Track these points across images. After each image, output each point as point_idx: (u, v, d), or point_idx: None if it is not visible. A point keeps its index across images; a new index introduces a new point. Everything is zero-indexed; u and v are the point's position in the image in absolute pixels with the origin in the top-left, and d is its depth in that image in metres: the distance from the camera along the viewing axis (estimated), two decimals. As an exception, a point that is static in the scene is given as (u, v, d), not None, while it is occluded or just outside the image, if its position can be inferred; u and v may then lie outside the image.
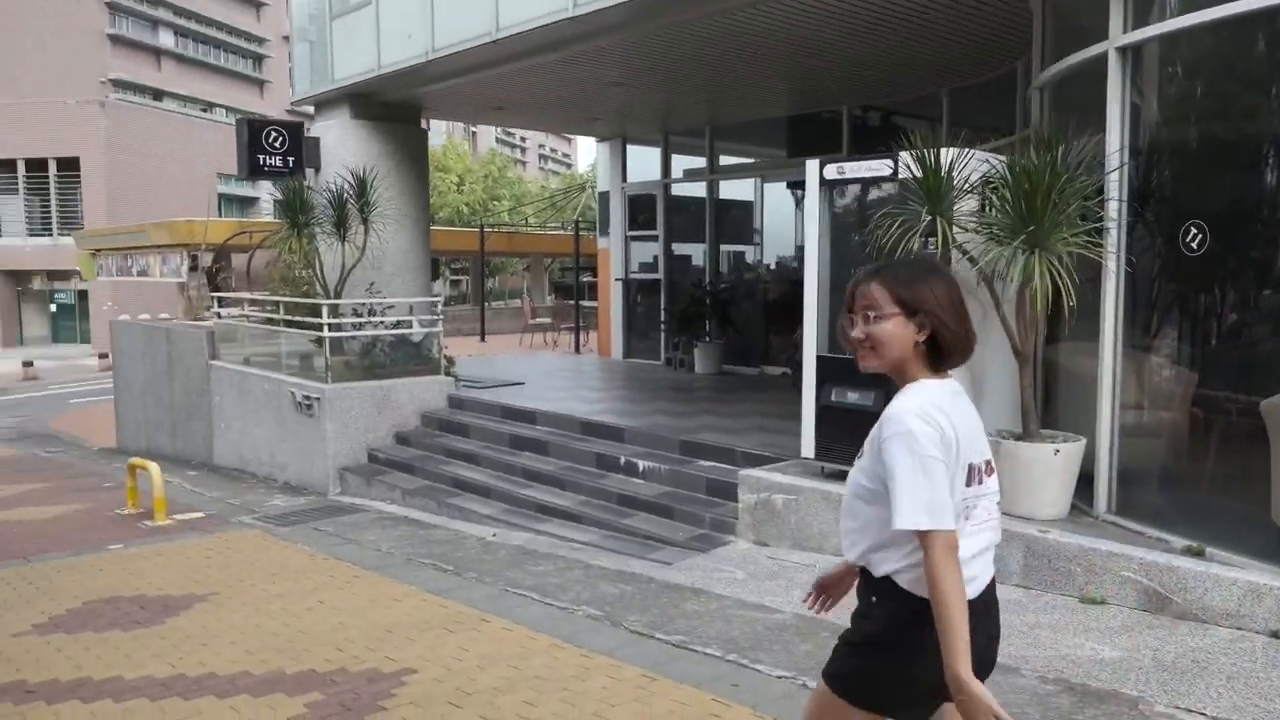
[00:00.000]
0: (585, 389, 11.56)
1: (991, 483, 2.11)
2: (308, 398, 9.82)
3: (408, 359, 10.33)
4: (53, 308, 35.93)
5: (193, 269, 18.11)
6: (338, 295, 9.98)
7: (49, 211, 34.53)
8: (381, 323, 10.06)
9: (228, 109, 46.57)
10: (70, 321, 35.62)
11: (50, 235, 34.56)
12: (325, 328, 9.62)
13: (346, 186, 9.66)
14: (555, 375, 12.55)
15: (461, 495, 8.55)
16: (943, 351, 2.06)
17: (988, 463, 2.10)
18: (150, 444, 13.90)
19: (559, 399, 10.31)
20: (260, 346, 11.40)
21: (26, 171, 34.32)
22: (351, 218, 9.74)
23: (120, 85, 39.91)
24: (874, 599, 2.09)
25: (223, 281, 15.47)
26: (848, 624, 2.19)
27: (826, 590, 2.42)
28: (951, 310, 2.05)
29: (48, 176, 34.24)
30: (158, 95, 42.18)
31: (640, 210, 14.27)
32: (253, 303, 11.39)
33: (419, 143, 11.44)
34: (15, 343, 34.87)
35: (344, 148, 10.88)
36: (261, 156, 10.61)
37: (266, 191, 42.05)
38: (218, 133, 40.29)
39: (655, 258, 14.19)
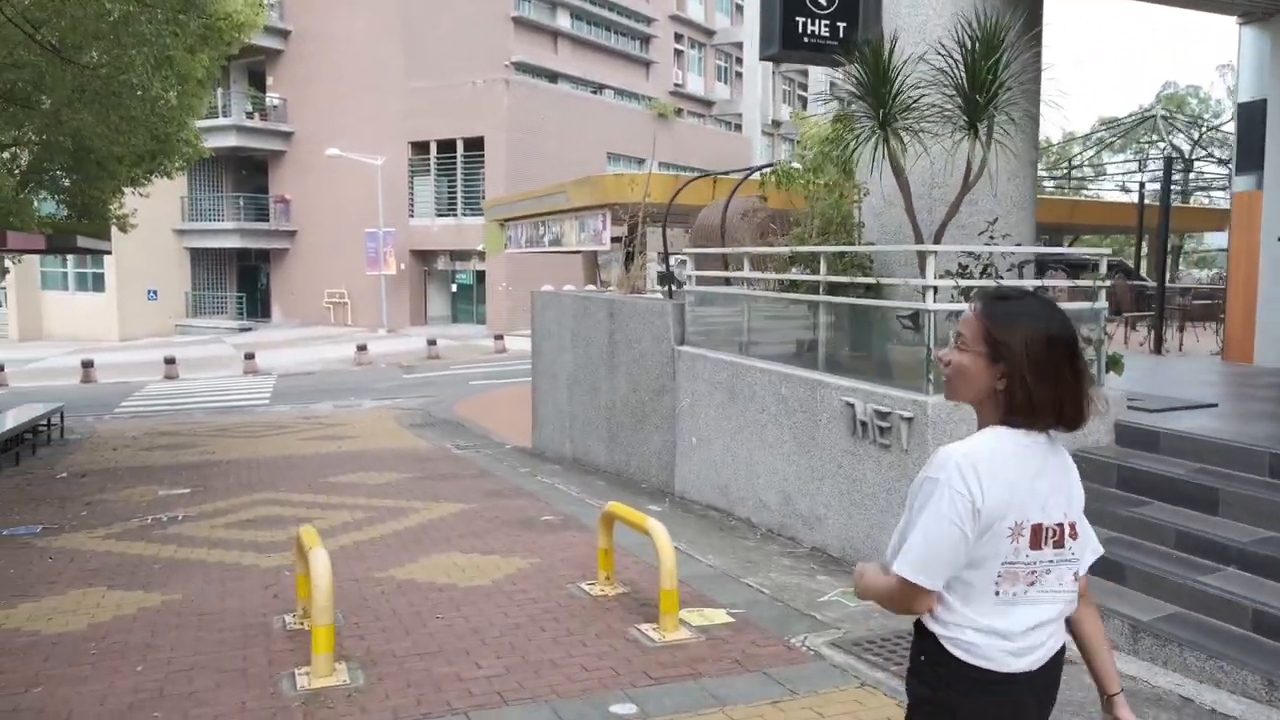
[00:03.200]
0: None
1: (1075, 547, 1.90)
2: (882, 414, 5.67)
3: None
4: (453, 287, 36.33)
5: (615, 239, 15.19)
6: (937, 240, 5.72)
7: (454, 191, 34.75)
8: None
9: (615, 90, 45.60)
10: (468, 303, 35.78)
11: (454, 215, 34.77)
12: (928, 295, 5.37)
13: (969, 47, 5.33)
14: (1239, 392, 7.48)
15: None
16: (1010, 408, 1.85)
17: (1073, 525, 1.89)
18: (577, 450, 10.73)
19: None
20: (765, 327, 7.53)
21: (437, 153, 34.76)
22: (973, 108, 5.38)
23: (521, 68, 39.84)
24: (922, 657, 1.93)
25: (634, 264, 12.13)
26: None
27: None
28: (1036, 370, 1.81)
29: (455, 157, 34.43)
30: (553, 77, 41.81)
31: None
32: (755, 262, 7.51)
33: (1034, -3, 6.86)
34: (421, 321, 35.57)
35: (924, 4, 6.59)
36: (801, 19, 6.65)
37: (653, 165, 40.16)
38: (607, 112, 39.02)
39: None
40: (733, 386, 7.49)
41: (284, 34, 36.55)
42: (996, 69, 5.28)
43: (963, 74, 5.18)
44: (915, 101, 5.36)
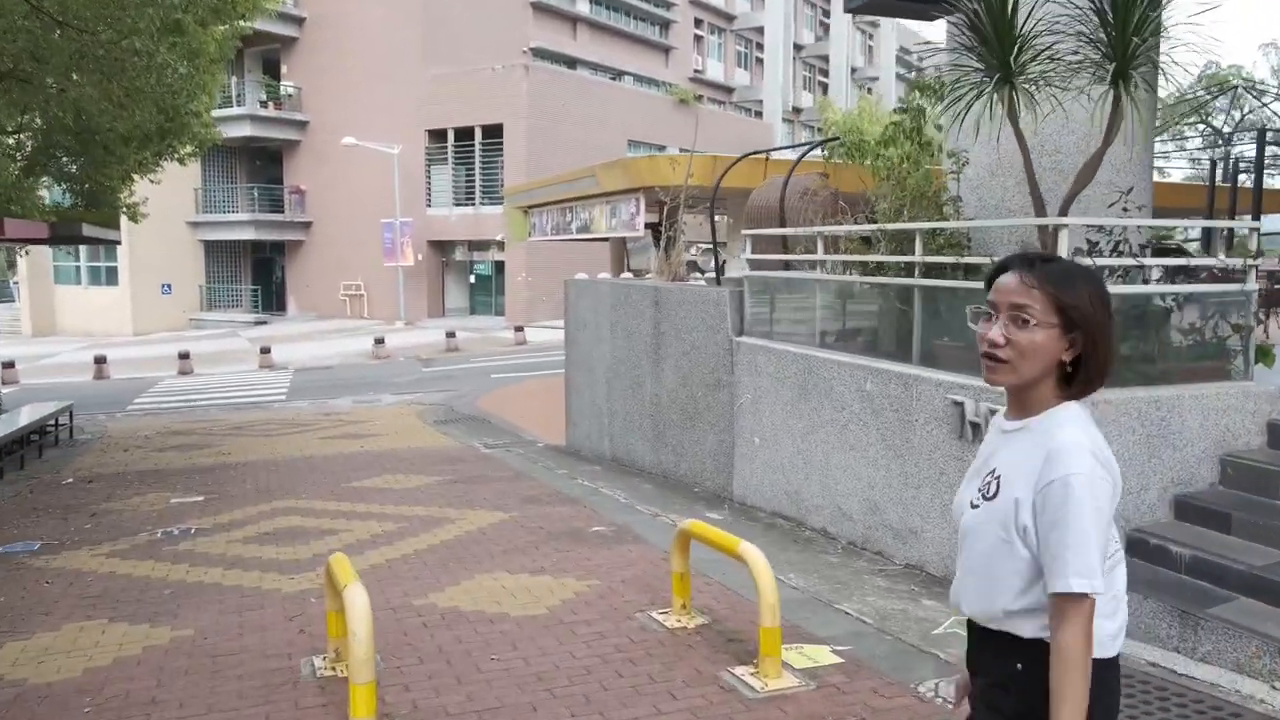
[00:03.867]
0: None
1: None
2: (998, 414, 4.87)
3: (1183, 348, 5.03)
4: (471, 279, 35.61)
5: (648, 225, 14.41)
6: (1064, 211, 4.91)
7: (472, 180, 33.99)
8: (1149, 270, 4.81)
9: (635, 76, 44.72)
10: (487, 294, 35.06)
11: (473, 205, 34.03)
12: (1060, 275, 4.57)
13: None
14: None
15: None
16: (1086, 378, 1.72)
17: None
18: (617, 449, 9.98)
19: None
20: (841, 316, 6.75)
21: (455, 141, 34.00)
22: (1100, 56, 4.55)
23: (539, 54, 39.02)
24: (1019, 665, 1.71)
25: (675, 250, 11.30)
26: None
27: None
28: (1107, 332, 1.72)
29: (473, 145, 33.66)
30: (571, 63, 40.96)
31: None
32: (827, 244, 6.69)
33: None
34: (439, 313, 34.89)
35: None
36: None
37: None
38: (627, 98, 38.19)
39: None
40: (804, 382, 6.71)
41: (298, 21, 35.86)
42: (1153, 4, 4.45)
43: (1109, 10, 4.36)
44: (1050, 47, 4.53)
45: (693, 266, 16.15)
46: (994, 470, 1.77)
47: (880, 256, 5.94)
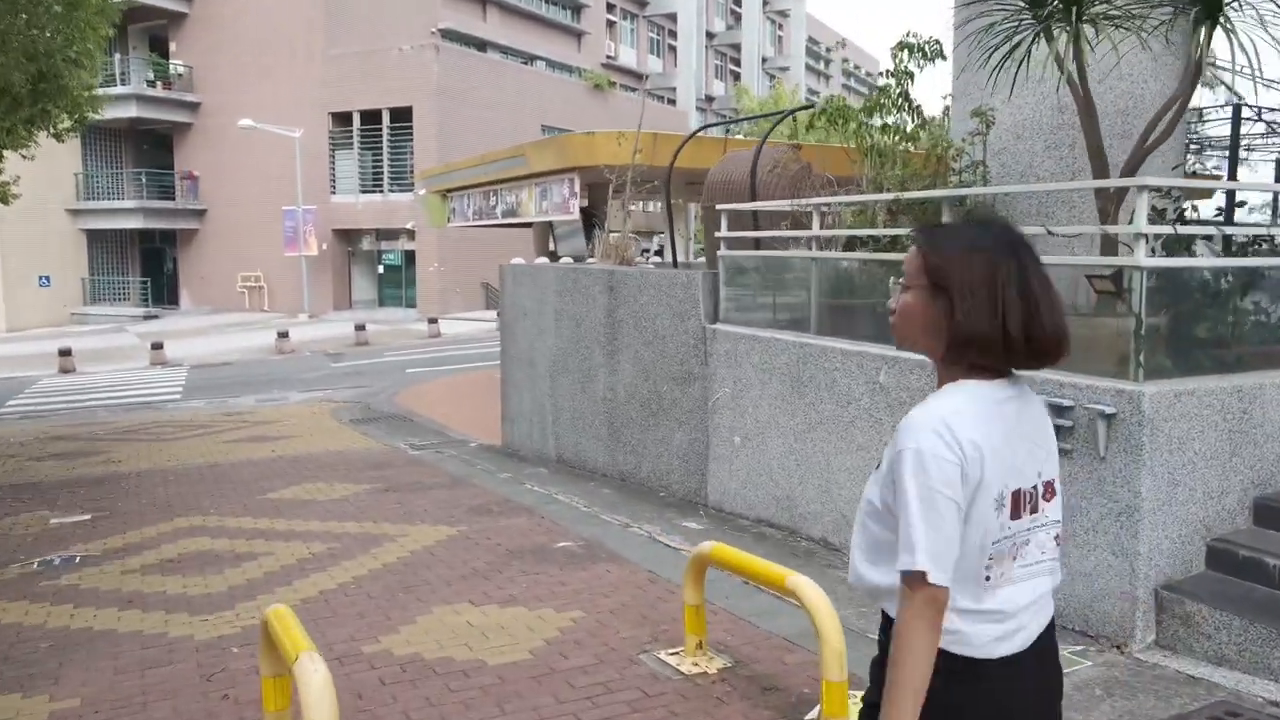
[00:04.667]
0: None
1: (1051, 510, 1.65)
2: (1061, 409, 4.18)
3: (1261, 329, 4.46)
4: (380, 269, 33.97)
5: (581, 209, 13.53)
6: (1130, 173, 4.25)
7: (380, 165, 32.35)
8: (1257, 239, 4.19)
9: (547, 61, 43.50)
10: (396, 286, 33.49)
11: (380, 191, 32.41)
12: (1140, 246, 3.89)
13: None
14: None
15: None
16: (960, 344, 1.56)
17: (1046, 485, 1.64)
18: (564, 449, 9.08)
19: None
20: (841, 299, 6.00)
21: (361, 125, 32.29)
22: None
23: (448, 35, 37.44)
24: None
25: (617, 236, 10.47)
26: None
27: None
28: (984, 296, 1.53)
29: (380, 128, 32.03)
30: (481, 46, 39.51)
31: None
32: (823, 216, 5.93)
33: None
34: (345, 305, 33.19)
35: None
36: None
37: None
38: (541, 83, 37.08)
39: None
40: (798, 373, 5.95)
41: (187, -5, 33.59)
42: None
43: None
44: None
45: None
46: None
47: (900, 230, 5.21)
